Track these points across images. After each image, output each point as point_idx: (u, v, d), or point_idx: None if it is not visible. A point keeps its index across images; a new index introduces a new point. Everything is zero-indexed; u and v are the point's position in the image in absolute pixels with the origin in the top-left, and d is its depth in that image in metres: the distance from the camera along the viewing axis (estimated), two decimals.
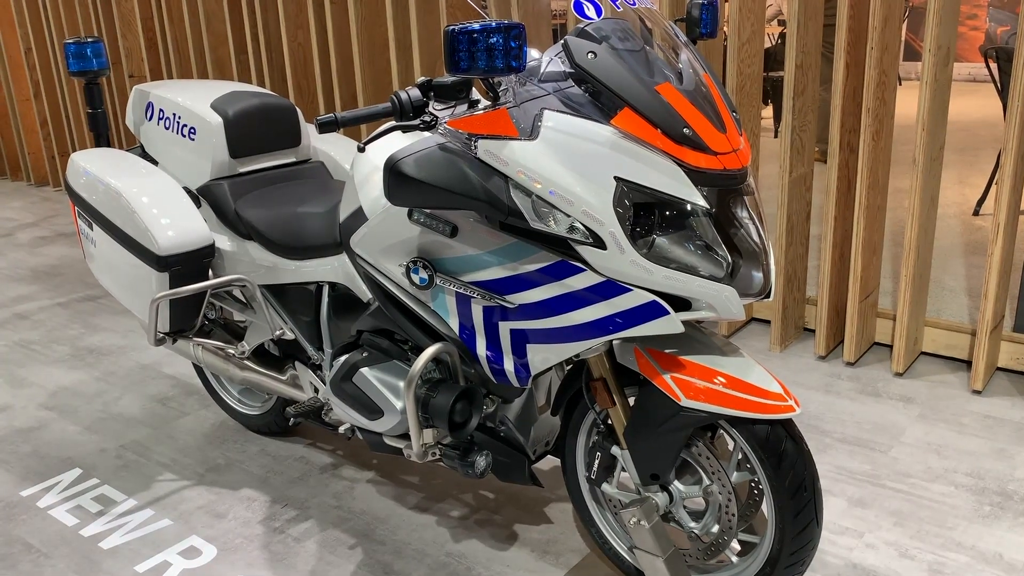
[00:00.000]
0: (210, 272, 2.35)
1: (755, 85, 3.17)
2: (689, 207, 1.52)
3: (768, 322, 3.49)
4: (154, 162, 2.50)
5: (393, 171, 1.58)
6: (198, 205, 2.39)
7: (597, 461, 1.87)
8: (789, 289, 3.23)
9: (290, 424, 2.67)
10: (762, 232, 1.65)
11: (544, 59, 1.60)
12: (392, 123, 1.62)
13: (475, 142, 1.52)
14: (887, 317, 3.18)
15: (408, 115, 1.57)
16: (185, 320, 2.37)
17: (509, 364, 1.73)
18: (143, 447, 2.74)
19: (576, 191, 1.49)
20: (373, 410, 1.91)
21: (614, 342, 1.74)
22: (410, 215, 1.71)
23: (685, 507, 1.83)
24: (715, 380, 1.64)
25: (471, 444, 1.92)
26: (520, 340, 1.69)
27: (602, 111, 1.52)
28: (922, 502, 2.28)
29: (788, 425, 1.67)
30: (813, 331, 3.38)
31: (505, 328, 1.70)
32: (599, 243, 1.50)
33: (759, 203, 1.67)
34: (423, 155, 1.57)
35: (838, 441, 2.58)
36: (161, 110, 2.44)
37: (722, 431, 1.76)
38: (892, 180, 5.52)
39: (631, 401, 1.78)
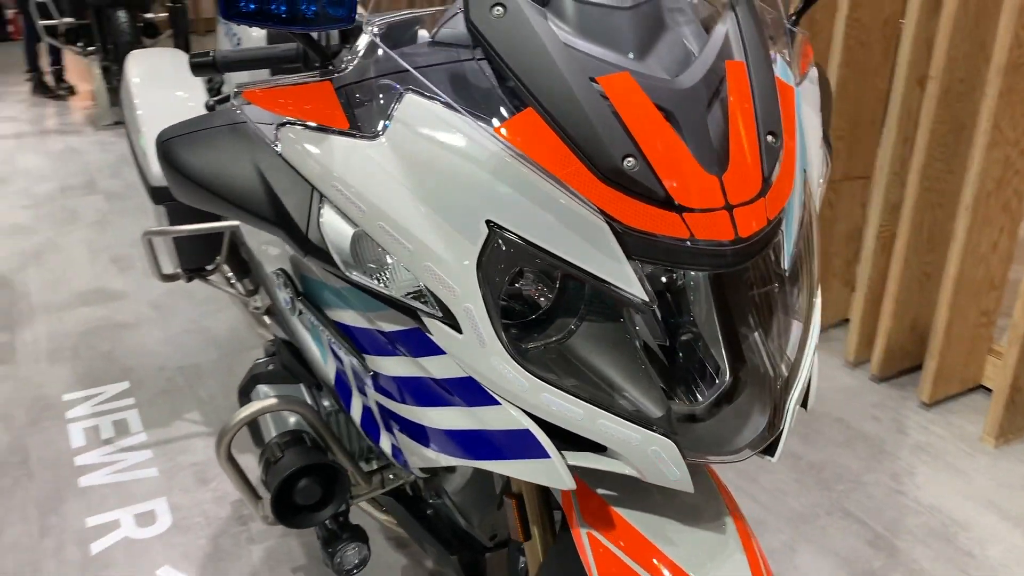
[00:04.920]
0: None
1: None
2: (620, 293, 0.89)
3: (991, 392, 2.52)
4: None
5: (160, 150, 1.06)
6: None
7: None
8: None
9: None
10: (784, 338, 0.97)
11: (451, 10, 1.00)
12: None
13: (278, 128, 0.97)
14: None
15: (324, 58, 1.04)
16: (200, 259, 2.09)
17: (386, 443, 1.21)
18: (198, 374, 2.57)
19: (419, 233, 0.91)
20: (260, 440, 1.48)
21: None
22: None
23: None
24: (651, 562, 1.01)
25: (342, 526, 1.43)
26: (388, 420, 1.16)
27: (508, 106, 0.91)
28: None
29: None
30: None
31: (371, 397, 1.17)
32: (453, 322, 0.93)
33: (791, 290, 0.98)
34: (200, 135, 1.03)
35: None
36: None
37: None
38: None
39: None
